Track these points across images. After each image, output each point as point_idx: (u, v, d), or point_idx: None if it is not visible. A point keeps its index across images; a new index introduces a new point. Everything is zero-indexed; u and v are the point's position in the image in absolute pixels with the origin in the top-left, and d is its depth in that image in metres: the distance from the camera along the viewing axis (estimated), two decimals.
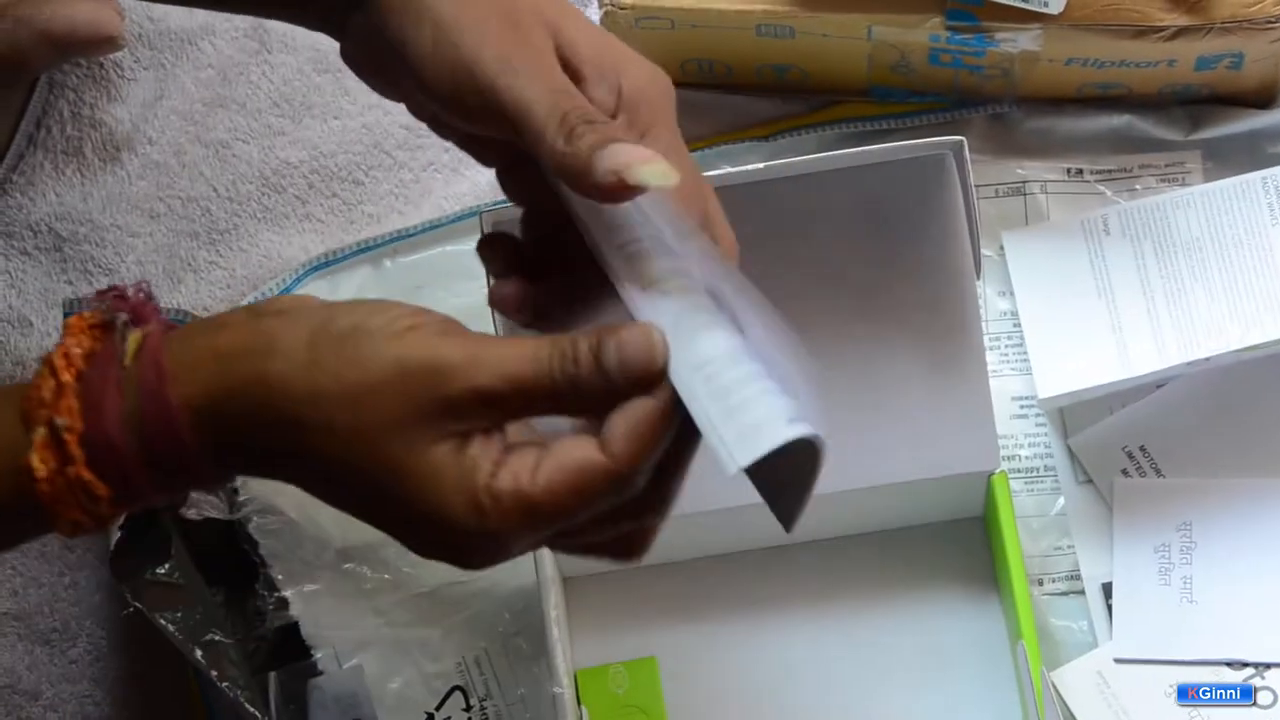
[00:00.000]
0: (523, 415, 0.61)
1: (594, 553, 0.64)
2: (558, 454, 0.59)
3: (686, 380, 0.59)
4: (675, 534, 0.84)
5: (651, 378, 0.59)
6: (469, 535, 0.60)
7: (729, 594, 0.90)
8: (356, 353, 0.59)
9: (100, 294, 0.63)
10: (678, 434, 0.60)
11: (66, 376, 0.60)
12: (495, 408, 0.59)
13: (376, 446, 0.59)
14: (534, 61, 0.66)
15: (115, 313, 0.62)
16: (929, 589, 0.89)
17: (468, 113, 0.67)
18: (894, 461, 0.84)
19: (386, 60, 0.69)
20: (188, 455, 0.60)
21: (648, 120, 0.68)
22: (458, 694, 0.90)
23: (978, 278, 0.83)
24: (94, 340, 0.61)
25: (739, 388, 0.59)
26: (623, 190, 0.62)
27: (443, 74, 0.66)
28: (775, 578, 0.90)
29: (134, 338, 0.61)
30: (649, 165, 0.62)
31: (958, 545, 0.90)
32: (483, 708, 0.90)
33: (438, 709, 0.90)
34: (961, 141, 0.80)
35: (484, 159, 0.71)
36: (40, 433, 0.60)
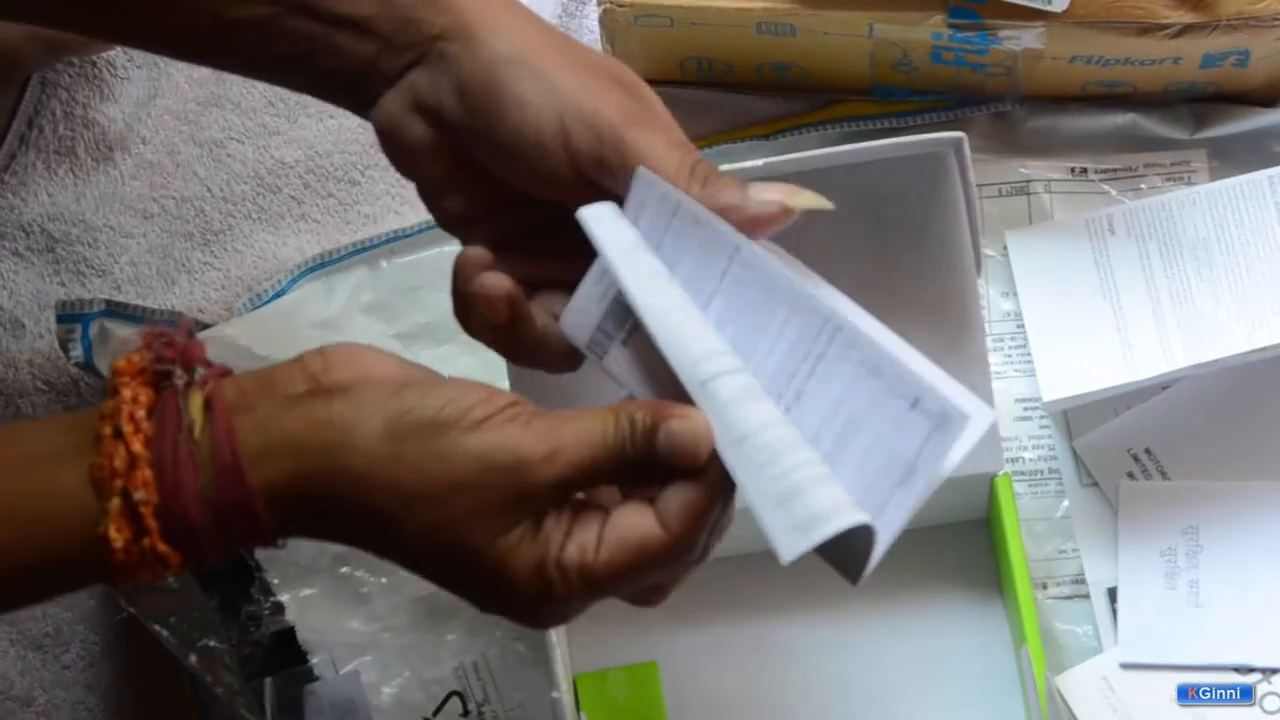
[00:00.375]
0: (588, 489, 0.65)
1: (621, 598, 0.67)
2: (620, 527, 0.63)
3: (733, 457, 0.63)
4: None
5: (697, 464, 0.63)
6: (535, 603, 0.64)
7: (730, 598, 0.90)
8: (438, 448, 0.62)
9: (146, 336, 0.64)
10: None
11: (137, 446, 0.61)
12: (567, 489, 0.63)
13: (457, 534, 0.62)
14: (649, 115, 0.68)
15: (164, 360, 0.63)
16: (932, 592, 0.89)
17: (576, 158, 0.68)
18: None
19: (449, 120, 0.69)
20: (263, 533, 0.63)
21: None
22: (455, 699, 0.90)
23: (979, 275, 0.83)
24: (150, 393, 0.63)
25: (788, 472, 0.62)
26: (784, 216, 0.66)
27: (549, 121, 0.67)
28: (776, 581, 0.89)
29: (196, 402, 0.62)
30: (803, 195, 0.67)
31: (961, 548, 0.90)
32: (480, 713, 0.90)
33: (435, 714, 0.90)
34: (962, 138, 0.80)
35: (469, 239, 0.72)
36: (115, 503, 0.61)
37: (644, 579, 0.64)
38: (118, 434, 0.61)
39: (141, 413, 0.62)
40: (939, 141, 0.81)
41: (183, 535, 0.61)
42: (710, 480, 0.63)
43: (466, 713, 0.90)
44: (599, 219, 0.67)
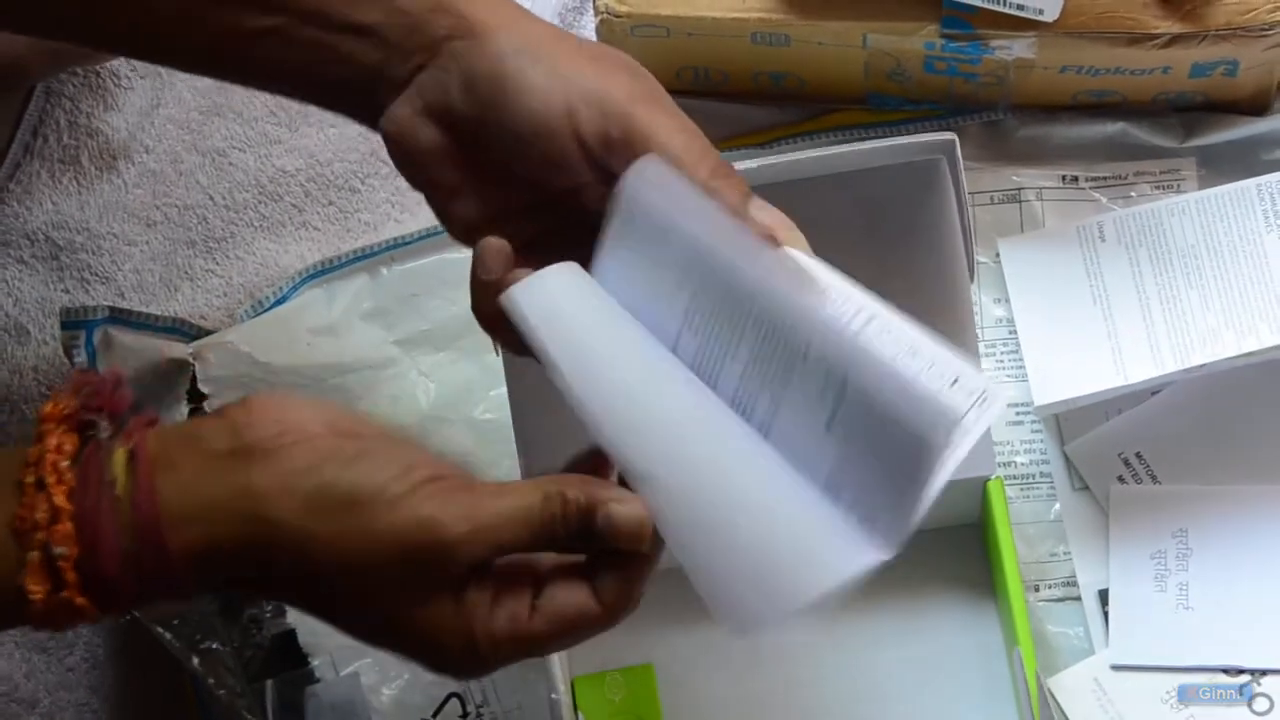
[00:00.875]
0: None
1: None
2: (554, 601, 0.64)
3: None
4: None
5: (639, 547, 0.63)
6: (466, 667, 0.64)
7: None
8: (356, 526, 0.62)
9: (75, 382, 0.63)
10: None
11: (59, 499, 0.61)
12: (488, 566, 0.63)
13: (379, 605, 0.62)
14: (656, 97, 0.68)
15: (90, 410, 0.63)
16: (925, 595, 0.89)
17: (584, 140, 0.68)
18: None
19: (458, 117, 0.69)
20: (184, 592, 0.63)
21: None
22: (454, 701, 0.90)
23: (971, 281, 0.83)
24: (75, 440, 0.62)
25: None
26: (770, 244, 0.66)
27: (556, 104, 0.67)
28: None
29: (120, 458, 0.62)
30: (796, 236, 0.67)
31: (954, 551, 0.90)
32: (479, 714, 0.90)
33: (435, 716, 0.90)
34: (953, 140, 0.80)
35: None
36: (34, 556, 0.61)
37: (575, 642, 0.65)
38: (40, 485, 0.61)
39: (65, 463, 0.61)
40: (931, 146, 0.81)
41: (100, 590, 0.61)
42: (650, 556, 0.64)
43: (465, 714, 0.90)
44: (529, 308, 0.66)
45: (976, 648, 0.89)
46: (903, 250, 0.83)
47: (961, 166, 0.81)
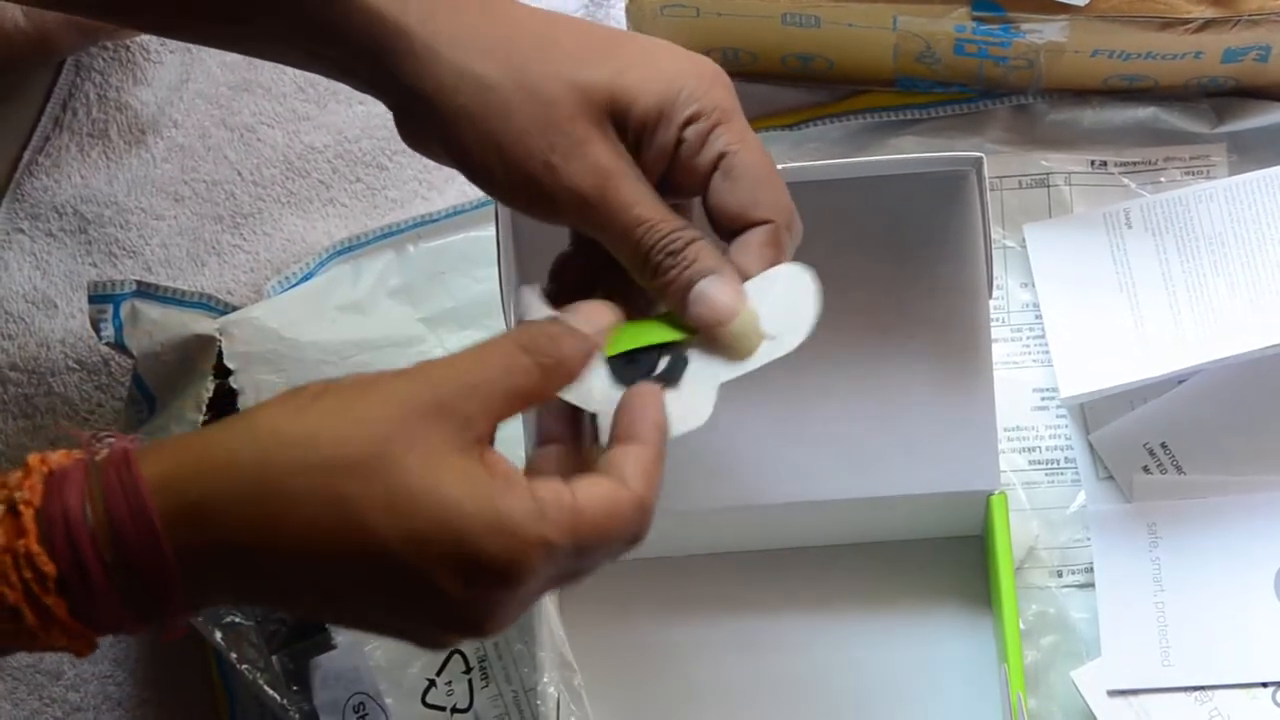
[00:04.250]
0: (503, 405, 0.62)
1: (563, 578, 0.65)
2: (586, 485, 0.62)
3: None
4: (669, 530, 0.85)
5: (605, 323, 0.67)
6: (531, 552, 0.59)
7: (719, 593, 0.89)
8: (337, 404, 0.60)
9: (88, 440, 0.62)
10: None
11: (36, 463, 0.60)
12: (484, 397, 0.61)
13: (388, 479, 0.59)
14: (574, 149, 0.68)
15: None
16: (923, 604, 0.89)
17: (517, 204, 0.70)
18: (894, 475, 0.83)
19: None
20: (171, 576, 0.59)
21: (710, 124, 0.69)
22: (457, 657, 0.90)
23: (990, 297, 0.83)
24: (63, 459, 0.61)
25: None
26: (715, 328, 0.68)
27: (488, 159, 0.69)
28: (767, 581, 0.89)
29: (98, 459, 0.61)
30: (733, 324, 0.68)
31: (955, 563, 0.89)
32: (482, 668, 0.90)
33: (438, 674, 0.90)
34: (981, 158, 0.80)
35: None
36: None
37: (617, 539, 0.62)
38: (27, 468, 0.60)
39: (50, 462, 0.60)
40: (960, 158, 0.81)
41: (63, 540, 0.59)
42: (658, 444, 0.64)
43: (469, 669, 0.90)
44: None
45: (972, 660, 0.88)
46: (924, 260, 0.83)
47: (987, 186, 0.80)
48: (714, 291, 0.68)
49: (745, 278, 0.69)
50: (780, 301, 0.69)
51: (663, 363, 0.69)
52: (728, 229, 0.70)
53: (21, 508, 0.59)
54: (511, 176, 0.69)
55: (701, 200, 0.71)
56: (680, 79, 0.69)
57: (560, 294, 0.72)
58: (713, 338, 0.69)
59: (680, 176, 0.70)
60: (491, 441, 0.62)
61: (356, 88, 0.73)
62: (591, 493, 0.62)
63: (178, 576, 0.59)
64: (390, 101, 0.72)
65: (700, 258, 0.69)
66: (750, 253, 0.69)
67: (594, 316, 0.67)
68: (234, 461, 0.60)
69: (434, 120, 0.69)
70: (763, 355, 0.69)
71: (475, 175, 0.70)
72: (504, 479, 0.60)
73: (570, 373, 0.65)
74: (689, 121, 0.69)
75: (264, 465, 0.59)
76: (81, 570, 0.59)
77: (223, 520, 0.59)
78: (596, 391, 0.67)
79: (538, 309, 0.70)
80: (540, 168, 0.68)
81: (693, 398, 0.68)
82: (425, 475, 0.59)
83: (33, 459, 0.61)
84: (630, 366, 0.68)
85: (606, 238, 0.69)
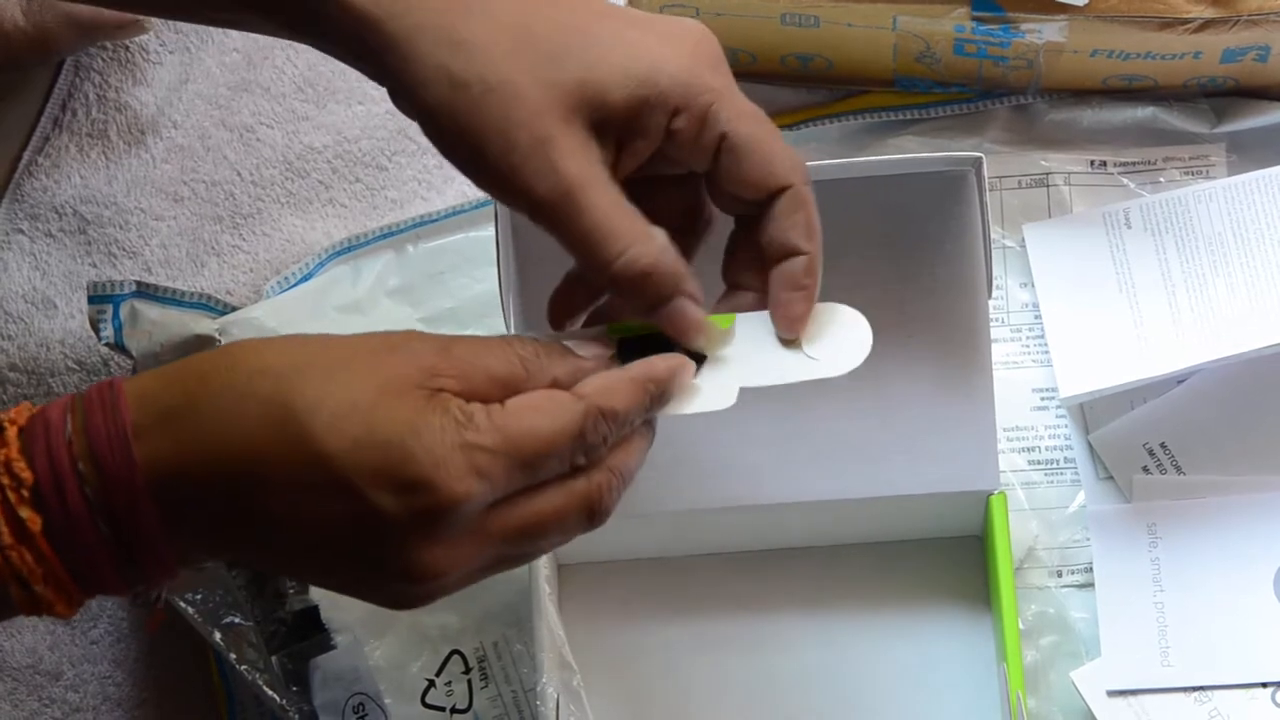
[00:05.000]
0: (478, 379, 0.63)
1: (555, 524, 0.64)
2: (520, 395, 0.62)
3: None
4: (669, 530, 0.85)
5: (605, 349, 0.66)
6: (453, 462, 0.60)
7: (718, 594, 0.89)
8: (311, 339, 0.63)
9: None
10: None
11: (26, 404, 0.61)
12: (457, 359, 0.62)
13: (350, 386, 0.60)
14: (534, 150, 0.67)
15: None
16: (923, 604, 0.89)
17: (496, 199, 0.71)
18: (894, 474, 0.84)
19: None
20: (150, 516, 0.60)
21: (701, 110, 0.69)
22: (456, 657, 0.90)
23: (989, 297, 0.83)
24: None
25: None
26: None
27: (461, 154, 0.68)
28: (766, 581, 0.89)
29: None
30: (702, 336, 0.68)
31: (954, 562, 0.89)
32: (481, 668, 0.90)
33: (438, 674, 0.90)
34: (980, 158, 0.80)
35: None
36: None
37: (559, 441, 0.62)
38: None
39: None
40: (960, 158, 0.81)
41: (41, 446, 0.60)
42: (639, 373, 0.65)
43: (468, 669, 0.90)
44: None
45: (972, 659, 0.88)
46: (923, 259, 0.83)
47: (986, 186, 0.80)
48: (675, 314, 0.68)
49: (784, 249, 0.69)
50: (832, 333, 0.70)
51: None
52: (748, 200, 0.70)
53: (6, 425, 0.60)
54: (483, 173, 0.68)
55: (709, 178, 0.70)
56: (659, 66, 0.68)
57: (573, 303, 0.72)
58: None
59: (682, 157, 0.70)
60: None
61: (354, 67, 0.73)
62: (525, 398, 0.62)
63: (144, 488, 0.60)
64: (384, 82, 0.71)
65: (658, 280, 0.67)
66: (781, 224, 0.69)
67: (594, 348, 0.67)
68: (203, 371, 0.61)
69: (414, 112, 0.69)
70: (801, 373, 0.70)
71: (458, 166, 0.70)
72: (438, 400, 0.61)
73: (557, 386, 0.65)
74: (677, 111, 0.68)
75: (225, 371, 0.61)
76: (57, 478, 0.59)
77: (186, 426, 0.60)
78: None
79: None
80: (504, 167, 0.67)
81: (713, 385, 0.68)
82: (370, 393, 0.60)
83: (23, 404, 0.62)
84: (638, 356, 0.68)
85: (569, 247, 0.68)
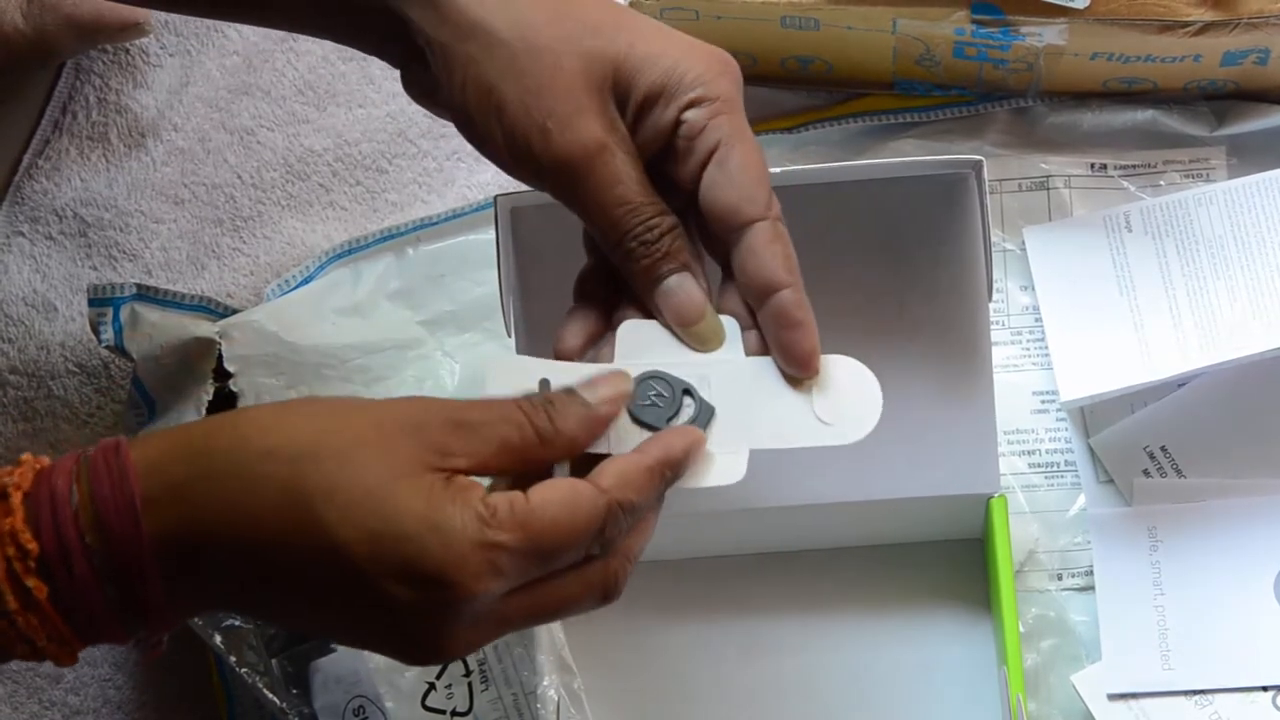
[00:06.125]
0: (491, 451, 0.62)
1: (570, 606, 0.64)
2: (543, 485, 0.62)
3: None
4: (668, 533, 0.85)
5: (619, 393, 0.65)
6: (455, 561, 0.59)
7: (719, 596, 0.89)
8: (329, 407, 0.62)
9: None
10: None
11: (29, 459, 0.61)
12: (470, 434, 0.61)
13: (361, 475, 0.60)
14: (570, 118, 0.68)
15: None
16: (923, 607, 0.89)
17: (508, 165, 0.70)
18: (894, 477, 0.84)
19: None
20: (138, 536, 0.60)
21: (711, 111, 0.69)
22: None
23: (990, 299, 0.83)
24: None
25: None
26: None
27: (487, 116, 0.69)
28: (767, 583, 0.90)
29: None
30: (700, 325, 0.69)
31: (954, 565, 0.89)
32: (481, 671, 0.90)
33: (438, 678, 0.90)
34: (980, 161, 0.80)
35: None
36: None
37: (580, 535, 0.62)
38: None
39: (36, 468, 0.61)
40: (960, 161, 0.81)
41: (48, 518, 0.59)
42: (654, 456, 0.64)
43: (468, 672, 0.90)
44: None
45: (972, 662, 0.88)
46: (923, 262, 0.83)
47: (987, 189, 0.80)
48: (680, 291, 0.69)
49: (768, 283, 0.69)
50: (842, 394, 0.70)
51: (687, 409, 0.69)
52: (720, 226, 0.70)
53: (10, 491, 0.60)
54: (506, 136, 0.69)
55: (696, 213, 0.71)
56: (688, 60, 0.69)
57: (583, 307, 0.72)
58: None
59: (676, 161, 0.70)
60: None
61: (363, 48, 0.74)
62: (548, 491, 0.62)
63: (153, 559, 0.60)
64: (399, 50, 0.72)
65: (672, 251, 0.69)
66: (760, 255, 0.69)
67: (608, 389, 0.66)
68: (211, 447, 0.61)
69: (442, 71, 0.70)
70: (814, 439, 0.70)
71: (473, 132, 0.70)
72: (458, 488, 0.61)
73: (574, 444, 0.64)
74: (691, 104, 0.69)
75: (235, 450, 0.60)
76: (63, 550, 0.59)
77: (195, 502, 0.60)
78: (613, 432, 0.67)
79: (519, 377, 0.69)
80: (535, 131, 0.68)
81: (723, 447, 0.69)
82: (384, 480, 0.60)
83: (27, 456, 0.62)
84: (650, 409, 0.68)
85: (585, 213, 0.69)
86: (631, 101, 0.69)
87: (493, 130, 0.69)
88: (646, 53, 0.69)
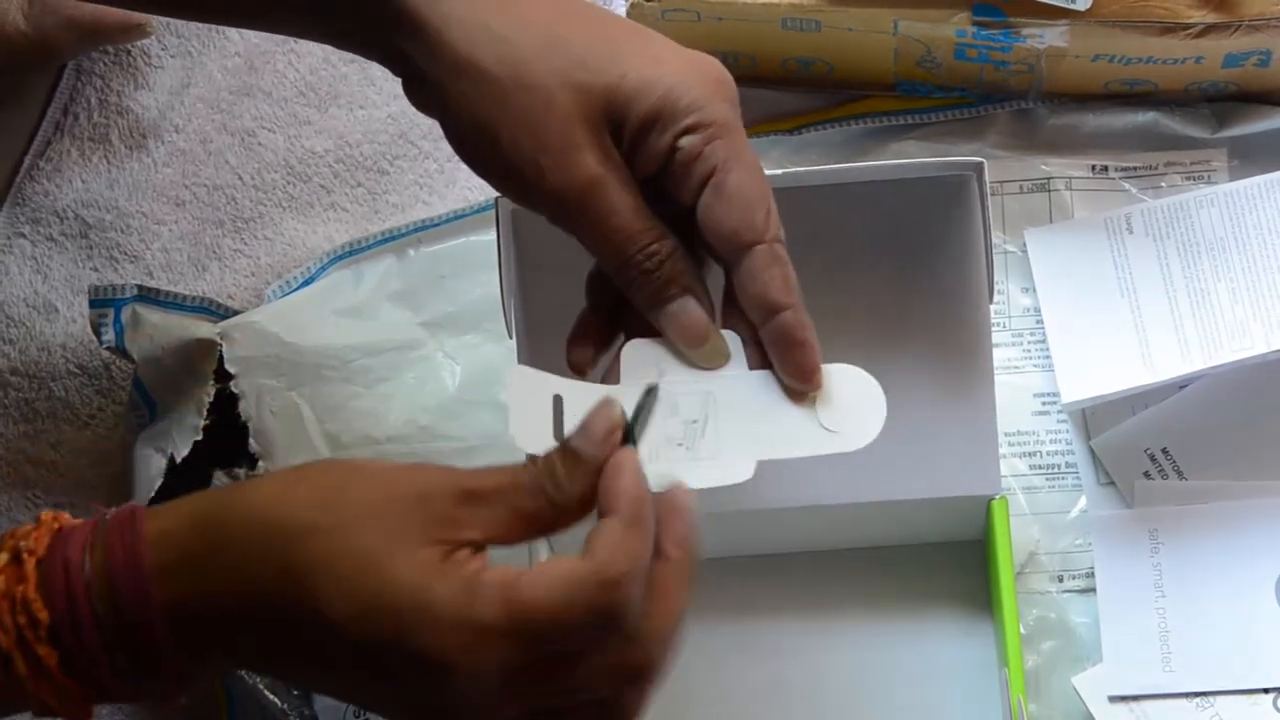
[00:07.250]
0: (503, 521, 0.61)
1: (597, 692, 0.62)
2: (540, 566, 0.60)
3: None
4: None
5: (614, 433, 0.62)
6: (456, 639, 0.58)
7: (719, 597, 0.89)
8: (337, 477, 0.61)
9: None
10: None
11: (48, 519, 0.62)
12: (479, 505, 0.60)
13: (361, 545, 0.59)
14: (564, 152, 0.68)
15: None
16: (924, 609, 0.89)
17: (506, 194, 0.71)
18: (895, 479, 0.83)
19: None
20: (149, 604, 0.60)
21: (707, 136, 0.69)
22: None
23: (991, 301, 0.83)
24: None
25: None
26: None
27: (481, 148, 0.69)
28: (767, 585, 0.89)
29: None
30: (705, 346, 0.69)
31: (955, 567, 0.89)
32: None
33: None
34: (981, 163, 0.80)
35: None
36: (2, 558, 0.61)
37: (577, 616, 0.59)
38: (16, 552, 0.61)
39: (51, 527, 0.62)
40: (961, 163, 0.81)
41: (61, 589, 0.60)
42: (631, 513, 0.61)
43: None
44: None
45: (973, 664, 0.88)
46: (924, 264, 0.83)
47: (988, 191, 0.80)
48: (684, 315, 0.69)
49: (768, 306, 0.69)
50: (847, 402, 0.70)
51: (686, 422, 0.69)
52: (719, 249, 0.70)
53: (25, 556, 0.60)
54: (501, 169, 0.69)
55: (695, 232, 0.71)
56: (683, 85, 0.69)
57: (594, 310, 0.73)
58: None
59: (672, 184, 0.70)
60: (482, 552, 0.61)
61: (369, 58, 0.74)
62: (546, 566, 0.60)
63: (166, 627, 0.60)
64: (400, 71, 0.72)
65: (673, 276, 0.69)
66: (759, 279, 0.69)
67: (601, 429, 0.63)
68: (223, 518, 0.61)
69: (437, 102, 0.70)
70: (819, 447, 0.70)
71: (469, 160, 0.71)
72: (454, 563, 0.59)
73: (585, 503, 0.62)
74: (686, 131, 0.69)
75: (243, 524, 0.61)
76: (74, 620, 0.60)
77: (207, 575, 0.60)
78: None
79: (536, 391, 0.69)
80: (529, 167, 0.68)
81: (728, 458, 0.69)
82: (381, 553, 0.59)
83: (46, 515, 0.62)
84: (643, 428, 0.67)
85: (585, 242, 0.70)
86: (626, 130, 0.69)
87: (489, 161, 0.70)
88: (639, 81, 0.69)
